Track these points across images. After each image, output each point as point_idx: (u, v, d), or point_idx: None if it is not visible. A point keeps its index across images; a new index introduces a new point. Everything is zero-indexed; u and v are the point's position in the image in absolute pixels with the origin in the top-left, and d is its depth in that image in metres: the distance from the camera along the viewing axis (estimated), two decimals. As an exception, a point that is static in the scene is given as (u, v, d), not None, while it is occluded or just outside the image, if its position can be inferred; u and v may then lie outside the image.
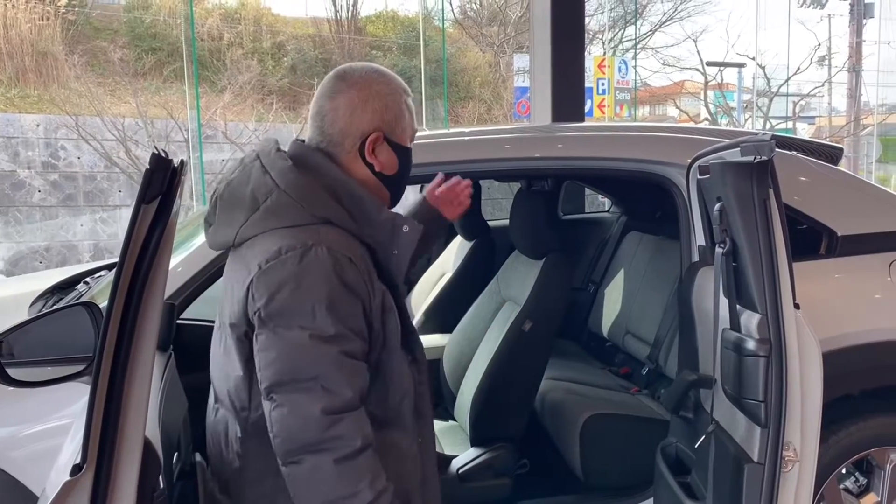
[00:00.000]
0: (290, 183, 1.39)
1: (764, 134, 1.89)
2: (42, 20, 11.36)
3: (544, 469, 2.75)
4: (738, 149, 1.81)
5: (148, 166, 0.98)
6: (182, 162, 1.11)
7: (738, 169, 1.78)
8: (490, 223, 3.92)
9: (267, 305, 1.32)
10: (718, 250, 1.87)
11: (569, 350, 3.59)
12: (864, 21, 17.37)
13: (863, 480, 2.44)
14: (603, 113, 14.07)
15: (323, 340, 1.31)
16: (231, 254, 1.46)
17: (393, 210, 1.54)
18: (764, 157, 1.71)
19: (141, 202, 0.98)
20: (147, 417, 1.10)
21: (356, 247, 1.40)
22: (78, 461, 1.03)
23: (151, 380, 1.08)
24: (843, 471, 2.41)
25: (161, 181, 1.00)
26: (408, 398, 1.51)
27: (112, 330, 0.98)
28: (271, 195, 1.38)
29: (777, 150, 2.51)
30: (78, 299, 2.39)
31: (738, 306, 1.85)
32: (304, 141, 1.51)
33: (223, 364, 1.46)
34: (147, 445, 1.12)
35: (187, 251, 2.27)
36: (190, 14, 10.99)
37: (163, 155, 1.01)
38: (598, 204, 5.27)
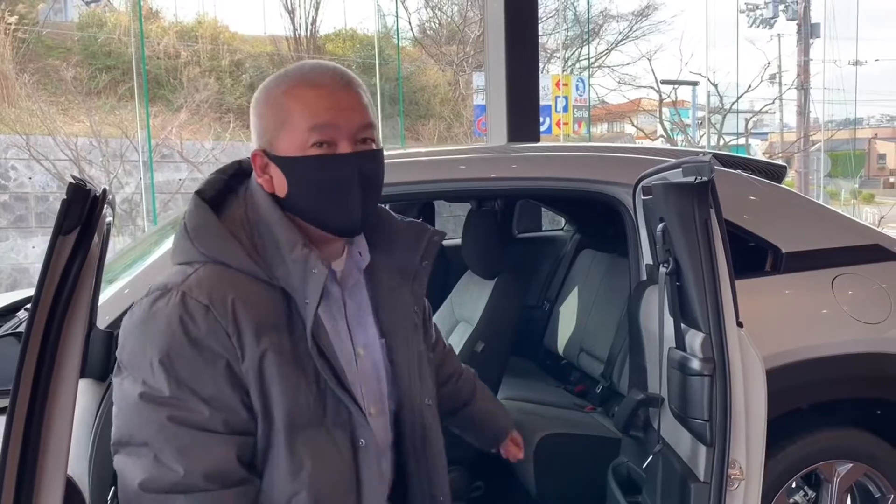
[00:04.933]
0: (189, 214, 1.21)
1: (704, 154, 1.92)
2: (-9, 38, 11.14)
3: (499, 491, 2.73)
4: (680, 169, 1.83)
5: (65, 196, 0.95)
6: (105, 191, 1.07)
7: (680, 189, 1.80)
8: (444, 242, 3.91)
9: (119, 352, 1.14)
10: (662, 270, 1.89)
11: (524, 368, 3.59)
12: (811, 40, 17.90)
13: (812, 494, 2.47)
14: (560, 130, 14.23)
15: (153, 402, 1.10)
16: None
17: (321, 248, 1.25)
18: (704, 178, 1.73)
19: (58, 234, 0.94)
20: (69, 455, 1.06)
21: (248, 293, 1.15)
22: (-6, 503, 0.99)
23: (74, 415, 1.04)
24: (793, 485, 2.44)
25: (79, 212, 0.97)
26: (321, 495, 1.18)
27: (28, 365, 0.94)
28: (179, 226, 1.23)
29: (722, 168, 2.57)
30: (17, 327, 2.32)
31: (682, 325, 1.87)
32: None
33: None
34: (70, 484, 1.08)
35: (135, 273, 2.22)
36: (140, 31, 10.85)
37: (81, 183, 0.98)
38: (558, 221, 5.31)
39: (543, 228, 4.65)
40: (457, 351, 2.69)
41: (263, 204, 1.21)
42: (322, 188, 1.19)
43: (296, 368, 1.16)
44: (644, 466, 2.04)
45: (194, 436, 1.10)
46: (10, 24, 11.32)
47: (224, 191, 1.25)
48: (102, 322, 1.94)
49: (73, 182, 0.98)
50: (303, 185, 1.19)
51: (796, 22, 18.13)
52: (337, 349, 1.22)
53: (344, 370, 1.20)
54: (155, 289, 1.14)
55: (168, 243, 2.29)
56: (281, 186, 1.20)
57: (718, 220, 1.76)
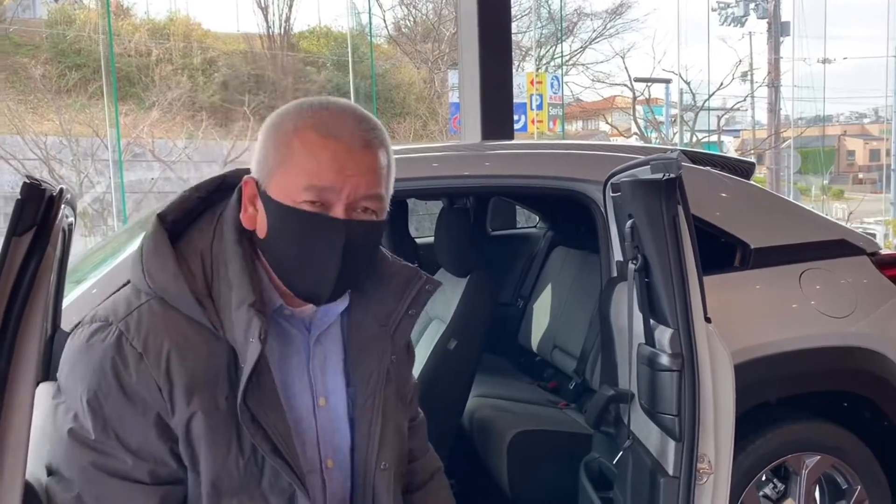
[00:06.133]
0: (145, 237, 1.13)
1: (673, 152, 1.93)
2: (-43, 36, 10.93)
3: (472, 489, 2.73)
4: (649, 166, 1.84)
5: (19, 196, 0.93)
6: (62, 190, 1.05)
7: (648, 186, 1.81)
8: (418, 240, 3.90)
9: (58, 374, 1.10)
10: (631, 266, 1.90)
11: (498, 366, 3.60)
12: (781, 39, 18.13)
13: (781, 487, 2.50)
14: (535, 128, 14.28)
15: (80, 443, 1.06)
16: None
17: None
18: (672, 175, 1.74)
19: (12, 235, 0.92)
20: (28, 459, 1.04)
21: (188, 343, 1.07)
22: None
23: (31, 420, 1.02)
24: (763, 478, 2.47)
25: (34, 212, 0.95)
26: None
27: (-18, 370, 0.92)
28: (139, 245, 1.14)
29: (691, 165, 2.59)
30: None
31: (651, 321, 1.88)
32: None
33: None
34: (28, 489, 1.06)
35: (103, 272, 2.19)
36: (108, 28, 10.70)
37: (36, 183, 0.96)
38: (533, 218, 5.33)
39: (518, 226, 4.66)
40: (429, 349, 2.71)
41: (229, 238, 1.12)
42: (299, 246, 1.09)
43: (227, 431, 1.08)
44: (615, 462, 2.05)
45: (116, 485, 1.05)
46: (-23, 21, 11.12)
47: (196, 209, 1.16)
48: (69, 324, 1.91)
49: (28, 182, 0.96)
50: (282, 236, 1.10)
51: (767, 20, 18.36)
52: (288, 402, 1.14)
53: (288, 435, 1.12)
54: (98, 317, 1.09)
55: (137, 243, 2.26)
56: (262, 227, 1.11)
57: (686, 217, 1.77)
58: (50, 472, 1.10)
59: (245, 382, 1.06)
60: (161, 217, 1.13)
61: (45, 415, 1.18)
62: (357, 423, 1.22)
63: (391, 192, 1.17)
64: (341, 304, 1.21)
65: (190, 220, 1.16)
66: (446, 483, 1.49)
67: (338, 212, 1.08)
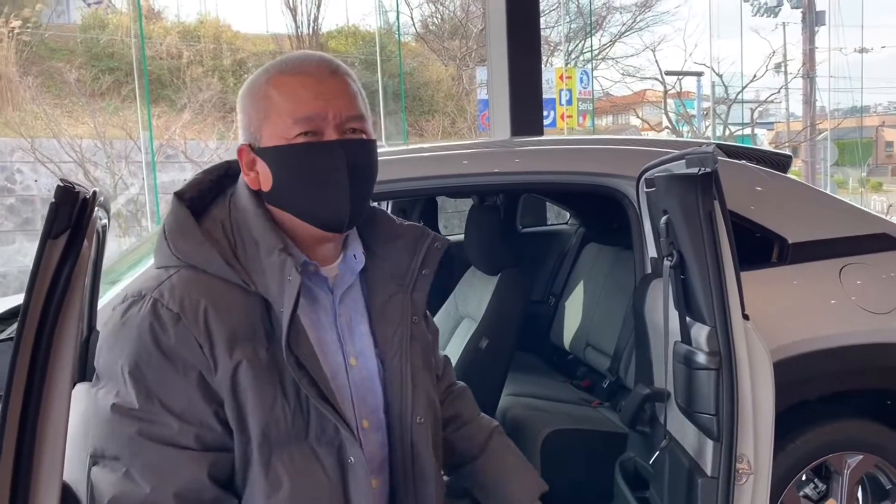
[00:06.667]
0: (167, 215, 1.18)
1: (708, 145, 1.89)
2: (-6, 42, 11.17)
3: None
4: (684, 161, 1.81)
5: (53, 199, 0.93)
6: (95, 193, 1.06)
7: (683, 181, 1.77)
8: (450, 238, 3.89)
9: (95, 361, 1.12)
10: (666, 263, 1.87)
11: (531, 364, 3.57)
12: (816, 28, 17.77)
13: (822, 487, 2.44)
14: (565, 123, 14.18)
15: (125, 415, 1.06)
16: None
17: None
18: (707, 169, 1.70)
19: (46, 237, 0.93)
20: (65, 460, 1.05)
21: (223, 300, 1.10)
22: (-10, 510, 0.98)
23: (68, 420, 1.03)
24: (803, 478, 2.42)
25: (68, 215, 0.95)
26: None
27: (20, 372, 0.93)
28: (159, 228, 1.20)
29: (726, 159, 2.55)
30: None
31: (687, 319, 1.84)
32: None
33: None
34: (66, 490, 1.07)
35: (138, 273, 2.22)
36: (140, 31, 10.84)
37: (69, 186, 0.97)
38: (563, 215, 5.29)
39: (548, 222, 4.63)
40: (461, 348, 2.69)
41: (246, 203, 1.17)
42: (307, 177, 1.14)
43: (272, 380, 1.10)
44: (651, 462, 2.02)
45: (164, 452, 1.06)
46: (13, 27, 11.34)
47: (210, 192, 1.21)
48: (102, 324, 1.93)
49: (62, 185, 0.97)
50: (287, 175, 1.14)
51: (801, 10, 18.00)
52: (322, 359, 1.15)
53: (329, 382, 1.14)
54: (130, 295, 1.10)
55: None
56: (266, 180, 1.16)
57: (722, 212, 1.74)
58: (94, 461, 1.10)
59: (287, 326, 1.09)
60: (179, 195, 1.17)
61: (84, 409, 1.18)
62: (388, 383, 1.24)
63: (370, 116, 1.22)
64: (359, 263, 1.26)
65: (206, 200, 1.21)
66: (508, 441, 1.49)
67: (331, 135, 1.14)
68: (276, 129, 1.13)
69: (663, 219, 1.88)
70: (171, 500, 1.05)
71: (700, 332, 1.77)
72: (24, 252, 10.07)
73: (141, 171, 10.57)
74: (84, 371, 1.60)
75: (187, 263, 1.12)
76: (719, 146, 2.65)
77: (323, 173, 1.14)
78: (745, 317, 1.77)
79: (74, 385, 1.25)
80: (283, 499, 1.09)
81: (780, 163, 2.73)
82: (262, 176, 1.16)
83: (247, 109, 1.17)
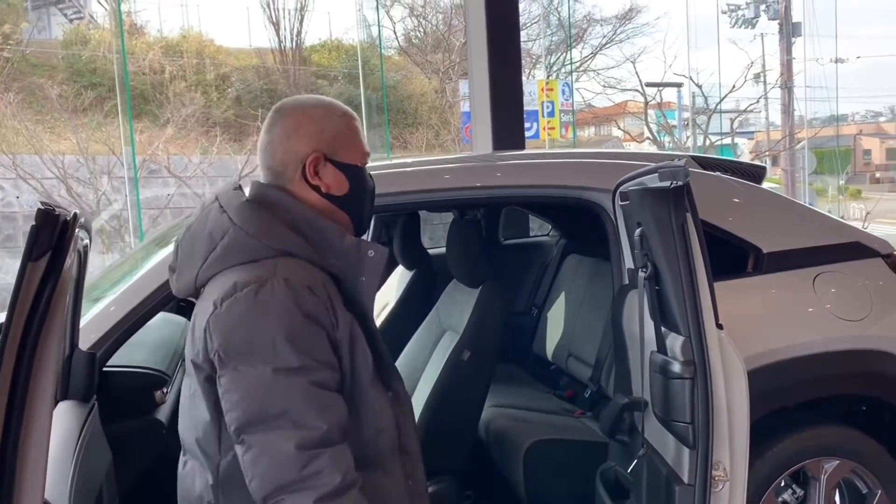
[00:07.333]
0: (245, 219, 1.38)
1: (680, 159, 1.93)
2: (-26, 58, 11.11)
3: (490, 500, 2.73)
4: (657, 174, 1.85)
5: (34, 222, 0.95)
6: (75, 215, 1.07)
7: (656, 194, 1.81)
8: (431, 251, 3.92)
9: (225, 344, 1.29)
10: (641, 274, 1.90)
11: (514, 375, 3.59)
12: (793, 39, 18.00)
13: (800, 492, 2.48)
14: (547, 135, 14.27)
15: (288, 373, 1.28)
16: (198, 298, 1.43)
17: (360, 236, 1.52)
18: (679, 183, 1.74)
19: (27, 259, 0.95)
20: (47, 478, 1.06)
21: (318, 276, 1.37)
22: (-28, 530, 0.99)
23: (49, 439, 1.04)
24: (782, 483, 2.45)
25: (49, 237, 0.97)
26: (385, 435, 1.43)
27: (1, 392, 0.94)
28: (228, 233, 1.37)
29: (701, 171, 2.59)
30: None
31: (663, 329, 1.88)
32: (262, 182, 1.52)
33: (190, 411, 1.42)
34: (48, 508, 1.08)
35: (121, 289, 2.22)
36: (122, 47, 10.82)
37: (50, 209, 0.98)
38: (546, 226, 5.32)
39: (531, 234, 4.66)
40: (443, 360, 2.71)
41: (315, 201, 1.44)
42: (369, 193, 1.53)
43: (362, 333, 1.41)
44: (630, 470, 2.05)
45: (326, 396, 1.30)
46: (-4, 44, 11.29)
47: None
48: (87, 341, 1.93)
49: (42, 207, 0.98)
50: (360, 188, 1.50)
51: (778, 21, 18.24)
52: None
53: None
54: (250, 282, 1.31)
55: (156, 258, 2.29)
56: (341, 186, 1.47)
57: (695, 224, 1.78)
58: (244, 435, 1.27)
59: (374, 291, 1.43)
60: (251, 201, 1.42)
61: (62, 432, 1.20)
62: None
63: None
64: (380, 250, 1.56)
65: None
66: None
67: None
68: (354, 154, 1.49)
69: (637, 231, 1.92)
70: (338, 435, 1.29)
71: (675, 342, 1.80)
72: (6, 269, 9.99)
73: (124, 186, 10.53)
74: (66, 390, 1.61)
75: (280, 252, 1.36)
76: (694, 158, 2.70)
77: (372, 192, 1.56)
78: (719, 326, 1.81)
79: (56, 404, 1.26)
80: (389, 417, 1.43)
81: (754, 174, 2.77)
82: (334, 181, 1.46)
83: (320, 124, 1.46)
